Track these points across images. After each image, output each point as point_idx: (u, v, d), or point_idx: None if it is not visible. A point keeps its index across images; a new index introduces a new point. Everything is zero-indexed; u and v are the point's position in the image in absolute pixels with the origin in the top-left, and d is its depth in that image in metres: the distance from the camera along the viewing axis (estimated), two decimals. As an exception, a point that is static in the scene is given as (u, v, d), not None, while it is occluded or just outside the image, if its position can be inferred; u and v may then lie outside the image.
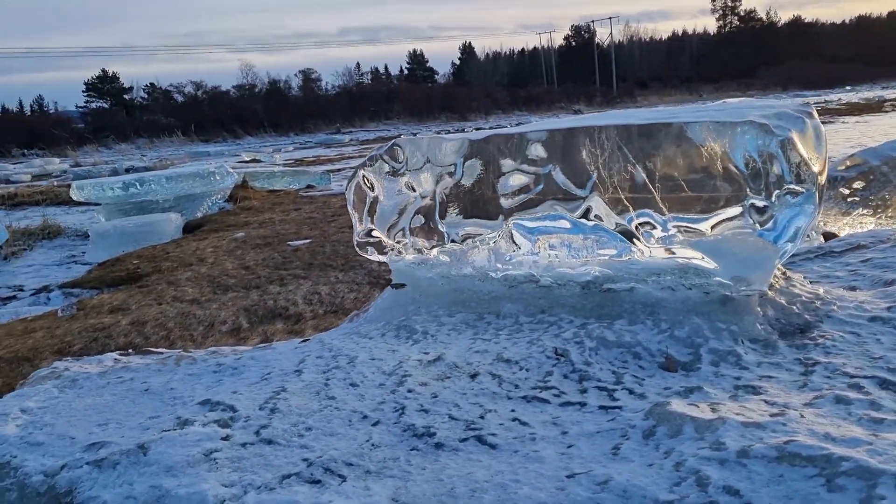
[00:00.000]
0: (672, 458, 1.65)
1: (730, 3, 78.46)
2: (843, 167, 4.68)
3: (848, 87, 55.20)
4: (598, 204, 2.52)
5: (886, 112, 25.79)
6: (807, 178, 2.28)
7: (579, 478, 1.65)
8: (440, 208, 2.83)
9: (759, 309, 2.40)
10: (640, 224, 2.44)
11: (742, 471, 1.55)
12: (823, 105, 34.30)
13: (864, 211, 4.50)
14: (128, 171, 24.68)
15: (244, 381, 2.40)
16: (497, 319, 2.66)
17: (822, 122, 2.50)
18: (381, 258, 3.03)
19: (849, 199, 4.56)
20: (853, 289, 2.84)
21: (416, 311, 2.79)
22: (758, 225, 2.30)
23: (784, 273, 2.70)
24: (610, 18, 75.19)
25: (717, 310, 2.40)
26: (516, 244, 2.67)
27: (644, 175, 2.41)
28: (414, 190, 2.89)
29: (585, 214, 2.56)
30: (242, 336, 4.70)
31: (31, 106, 68.42)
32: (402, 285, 2.96)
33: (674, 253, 2.41)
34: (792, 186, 2.27)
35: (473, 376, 2.23)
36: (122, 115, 54.03)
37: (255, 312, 5.18)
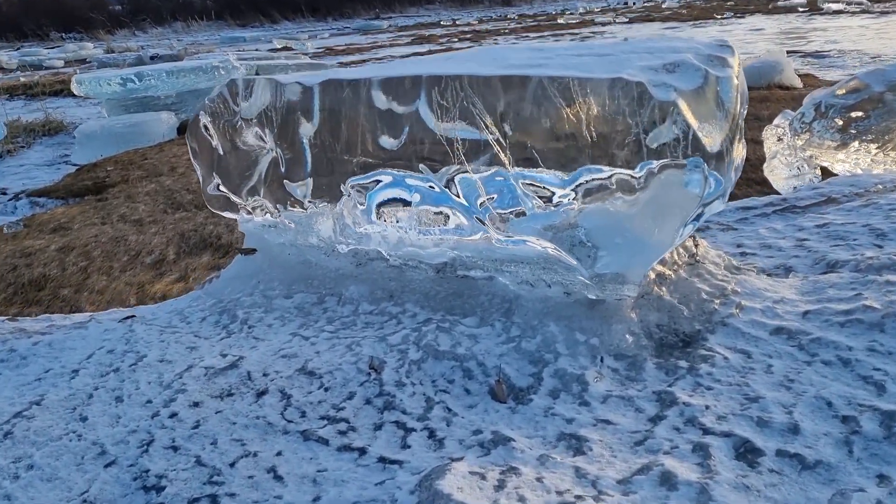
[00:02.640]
0: (405, 567, 1.24)
1: None
2: (842, 92, 3.99)
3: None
4: (448, 172, 2.02)
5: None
6: (694, 153, 1.74)
7: (283, 587, 1.25)
8: (288, 163, 2.35)
9: (633, 314, 1.92)
10: (488, 200, 1.95)
11: None
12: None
13: (861, 146, 3.84)
14: (152, 58, 24.20)
15: (18, 380, 2.04)
16: (337, 305, 2.22)
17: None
18: (235, 216, 2.58)
19: (846, 131, 3.89)
20: (788, 270, 2.32)
21: (253, 288, 2.37)
22: (626, 209, 1.79)
23: (692, 255, 2.19)
24: None
25: (582, 314, 1.92)
26: (360, 213, 2.20)
27: (496, 142, 1.89)
28: (264, 141, 2.40)
29: (447, 183, 2.06)
30: (163, 270, 4.36)
31: (73, -15, 67.37)
32: (253, 251, 2.53)
33: (519, 237, 1.92)
34: (672, 165, 1.74)
35: (261, 394, 1.82)
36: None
37: (188, 240, 4.83)
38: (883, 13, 20.59)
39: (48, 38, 43.84)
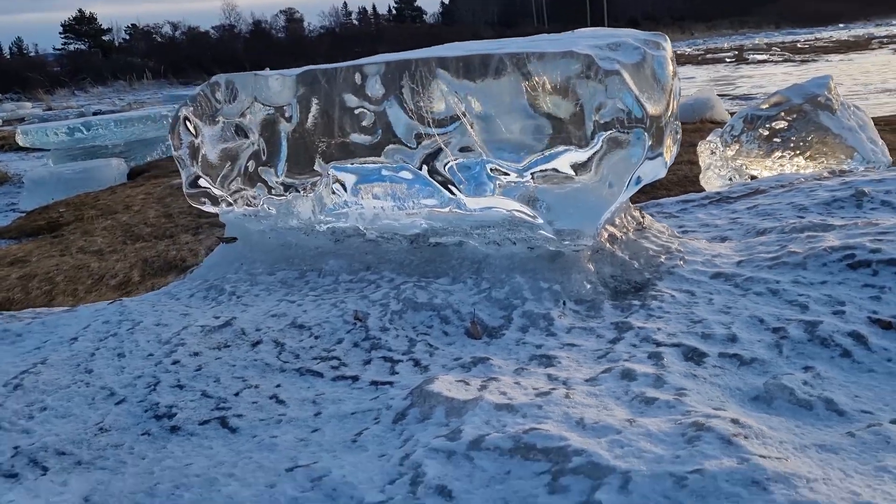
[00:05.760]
0: (405, 448, 1.42)
1: (724, -62, 75.94)
2: (766, 105, 4.38)
3: (842, 25, 53.97)
4: (426, 147, 2.24)
5: (872, 50, 25.22)
6: (636, 118, 2.00)
7: (297, 472, 1.41)
8: (269, 154, 2.54)
9: (590, 266, 2.15)
10: (456, 168, 2.17)
11: (466, 466, 1.31)
12: (813, 42, 33.58)
13: (785, 153, 4.21)
14: (95, 114, 24.11)
15: (17, 350, 2.15)
16: (318, 278, 2.40)
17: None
18: (216, 209, 2.75)
19: (770, 140, 4.27)
20: (723, 239, 2.59)
21: (237, 269, 2.53)
22: (579, 171, 2.03)
23: (640, 224, 2.44)
24: (601, -46, 72.77)
25: (544, 267, 2.14)
26: (338, 194, 2.39)
27: (462, 113, 2.13)
28: (246, 135, 2.59)
29: (427, 160, 2.27)
30: (128, 290, 4.44)
31: (10, 48, 66.64)
32: (234, 239, 2.69)
33: (488, 204, 2.14)
34: (618, 129, 1.99)
35: (255, 344, 1.98)
36: (98, 57, 52.72)
37: (152, 264, 4.92)
38: (803, 62, 21.93)
39: (-16, 98, 43.03)
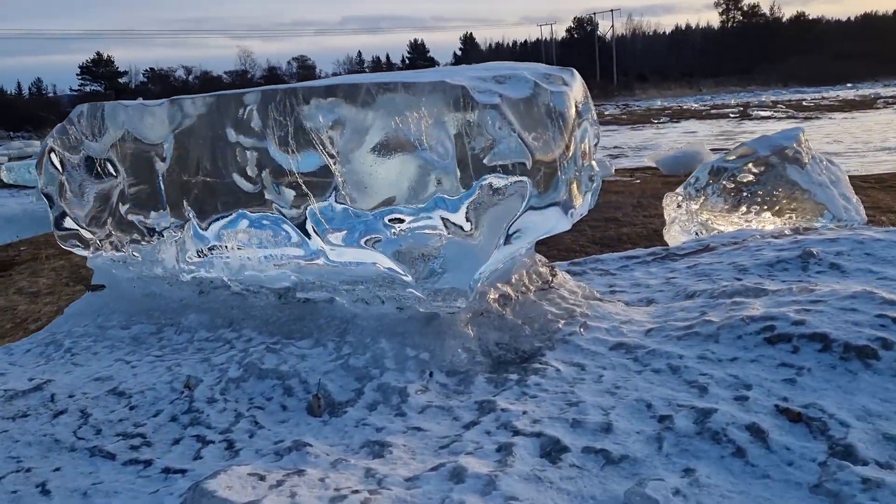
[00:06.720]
0: (143, 568, 1.10)
1: (733, -2, 77.01)
2: (732, 157, 4.09)
3: (850, 85, 54.03)
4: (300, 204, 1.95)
5: (878, 109, 25.08)
6: (517, 160, 1.71)
7: None
8: (137, 194, 2.26)
9: (470, 330, 1.84)
10: (312, 215, 1.88)
11: None
12: (819, 101, 33.52)
13: (752, 207, 3.91)
14: (97, 154, 24.17)
15: None
16: (174, 334, 2.10)
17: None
18: (87, 253, 2.47)
19: (737, 194, 3.97)
20: (649, 302, 2.28)
21: (90, 322, 2.23)
22: (452, 221, 1.73)
23: (547, 282, 2.14)
24: (612, 11, 73.51)
25: (416, 331, 1.83)
26: (201, 239, 2.10)
27: (323, 151, 1.85)
28: (116, 173, 2.32)
29: (296, 204, 1.97)
30: (46, 336, 4.15)
31: (30, 88, 67.60)
32: (102, 287, 2.40)
33: (356, 257, 1.85)
34: (497, 172, 1.70)
35: (58, 414, 1.67)
36: (111, 99, 53.38)
37: (81, 309, 4.63)
38: (806, 118, 21.78)
39: (-8, 136, 43.49)
